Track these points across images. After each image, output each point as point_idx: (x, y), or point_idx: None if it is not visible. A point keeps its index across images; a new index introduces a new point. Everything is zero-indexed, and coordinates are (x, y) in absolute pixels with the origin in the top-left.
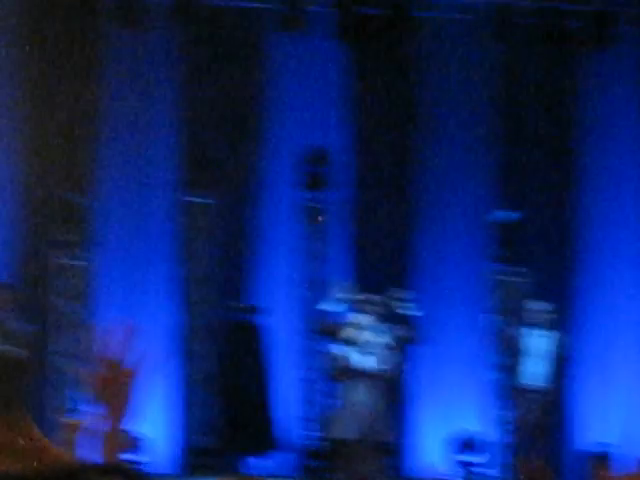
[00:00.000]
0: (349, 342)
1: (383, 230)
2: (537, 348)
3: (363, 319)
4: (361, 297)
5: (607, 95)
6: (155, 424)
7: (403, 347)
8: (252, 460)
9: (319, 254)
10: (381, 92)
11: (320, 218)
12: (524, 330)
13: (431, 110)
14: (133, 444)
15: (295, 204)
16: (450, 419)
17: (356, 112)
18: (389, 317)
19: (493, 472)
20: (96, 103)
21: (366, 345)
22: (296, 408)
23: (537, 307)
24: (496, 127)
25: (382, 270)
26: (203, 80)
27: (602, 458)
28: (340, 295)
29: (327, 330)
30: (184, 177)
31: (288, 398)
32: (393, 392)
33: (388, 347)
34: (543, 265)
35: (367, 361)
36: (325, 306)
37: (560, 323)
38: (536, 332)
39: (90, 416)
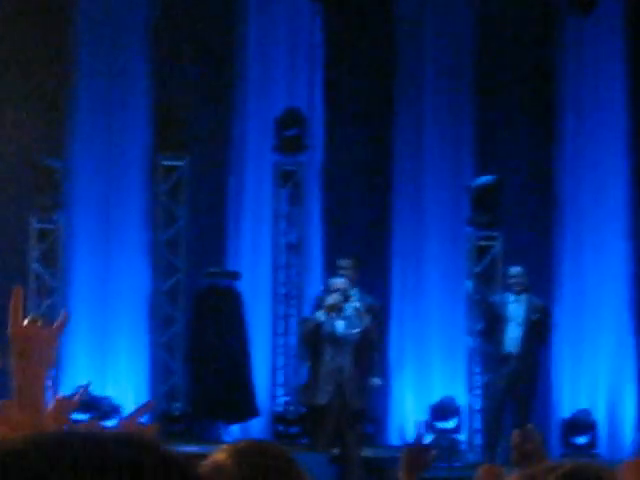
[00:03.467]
0: (321, 306)
1: (359, 193)
2: (514, 313)
3: (334, 283)
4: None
5: (587, 58)
6: (126, 389)
7: (375, 312)
8: (224, 426)
9: (294, 218)
10: (356, 53)
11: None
12: (501, 295)
13: (407, 72)
14: (103, 408)
15: (270, 167)
16: (427, 385)
17: (331, 73)
18: (360, 282)
19: (465, 437)
20: (69, 69)
21: (337, 309)
22: (269, 374)
23: (514, 272)
24: (473, 91)
25: (357, 234)
26: (176, 42)
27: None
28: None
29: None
30: (157, 140)
31: (261, 364)
32: (365, 357)
33: (358, 312)
34: (520, 229)
35: (338, 325)
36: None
37: (537, 288)
38: (513, 297)
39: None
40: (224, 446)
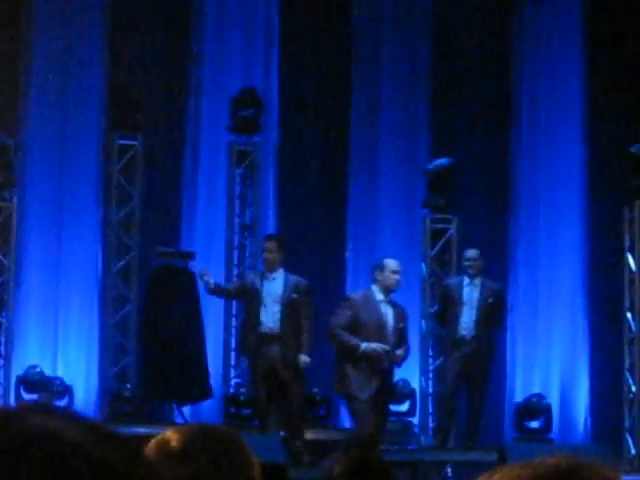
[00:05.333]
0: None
1: (314, 175)
2: (468, 296)
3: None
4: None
5: (543, 43)
6: (77, 369)
7: (303, 291)
8: (176, 408)
9: (249, 198)
10: (313, 33)
11: None
12: (456, 278)
13: (364, 55)
14: (54, 388)
15: (225, 147)
16: None
17: (287, 54)
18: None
19: (418, 420)
20: (22, 44)
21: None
22: (221, 355)
23: (469, 255)
24: (430, 74)
25: (311, 216)
26: (131, 21)
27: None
28: None
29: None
30: (112, 118)
31: (214, 344)
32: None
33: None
34: (476, 213)
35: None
36: None
37: (492, 271)
38: (468, 280)
39: None
40: (172, 427)
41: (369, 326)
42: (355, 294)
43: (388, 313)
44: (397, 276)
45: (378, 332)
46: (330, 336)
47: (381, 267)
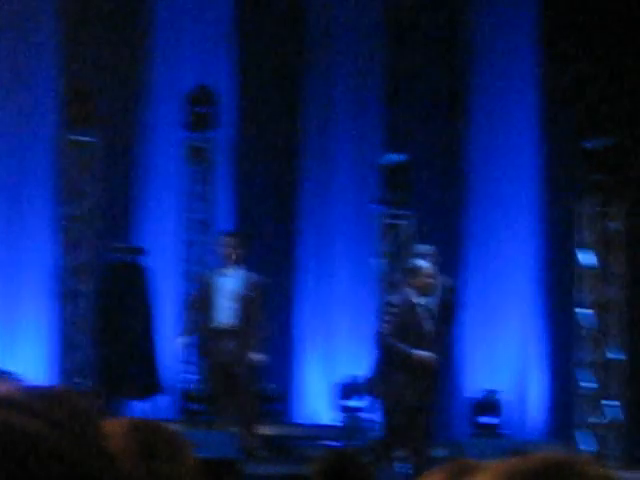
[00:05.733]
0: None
1: (268, 171)
2: None
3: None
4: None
5: (497, 35)
6: (31, 364)
7: (259, 289)
8: (132, 403)
9: (204, 195)
10: (267, 29)
11: None
12: None
13: (317, 50)
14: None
15: (180, 144)
16: (334, 364)
17: (242, 50)
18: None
19: (375, 417)
20: None
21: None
22: (176, 351)
23: (423, 250)
24: (384, 70)
25: (266, 212)
26: (85, 17)
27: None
28: None
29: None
30: (67, 115)
31: (167, 340)
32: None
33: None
34: (430, 208)
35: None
36: None
37: (446, 267)
38: None
39: None
40: (117, 419)
41: (410, 331)
42: (395, 298)
43: (425, 317)
44: (432, 280)
45: (419, 336)
46: (381, 343)
47: (415, 271)
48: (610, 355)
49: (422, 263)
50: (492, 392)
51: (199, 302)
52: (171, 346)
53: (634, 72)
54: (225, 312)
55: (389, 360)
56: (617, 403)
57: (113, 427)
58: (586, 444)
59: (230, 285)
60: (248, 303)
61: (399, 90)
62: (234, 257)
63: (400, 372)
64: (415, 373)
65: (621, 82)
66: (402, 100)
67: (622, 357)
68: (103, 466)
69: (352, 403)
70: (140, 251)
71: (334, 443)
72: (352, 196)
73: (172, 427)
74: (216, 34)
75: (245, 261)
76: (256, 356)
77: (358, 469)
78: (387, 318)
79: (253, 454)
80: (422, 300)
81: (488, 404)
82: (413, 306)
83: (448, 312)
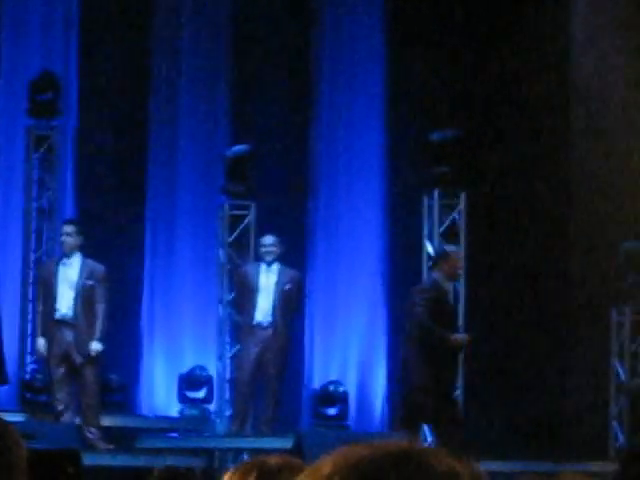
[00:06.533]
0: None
1: (112, 160)
2: (265, 283)
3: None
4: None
5: (344, 26)
6: None
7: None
8: None
9: (48, 183)
10: (111, 17)
11: None
12: (253, 265)
13: (163, 39)
14: None
15: (21, 131)
16: (178, 354)
17: (87, 37)
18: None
19: (215, 407)
20: None
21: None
22: (18, 341)
23: (266, 241)
24: (230, 60)
25: (110, 200)
26: None
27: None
28: None
29: None
30: None
31: (10, 330)
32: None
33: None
34: (274, 199)
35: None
36: None
37: (291, 258)
38: (264, 267)
39: None
40: None
41: (444, 316)
42: (426, 285)
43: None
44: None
45: (450, 322)
46: (424, 330)
47: (446, 257)
48: None
49: (453, 249)
50: (335, 383)
51: (41, 291)
52: (12, 336)
53: (477, 66)
54: (65, 301)
55: (428, 348)
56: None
57: None
58: (428, 435)
59: (70, 274)
60: (88, 292)
61: (246, 81)
62: (73, 246)
63: (441, 360)
64: (453, 358)
65: (464, 75)
66: (248, 91)
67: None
68: None
69: (196, 394)
70: None
71: (176, 435)
72: (197, 186)
73: (4, 418)
74: (60, 22)
75: (83, 249)
76: (96, 346)
77: None
78: (422, 303)
79: (94, 445)
80: (449, 286)
81: (331, 395)
82: (445, 292)
83: (292, 302)
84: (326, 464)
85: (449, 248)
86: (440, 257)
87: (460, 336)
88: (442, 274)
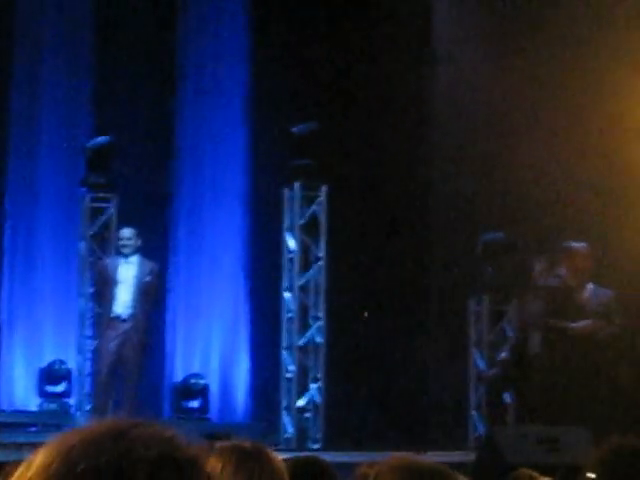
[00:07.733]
0: None
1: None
2: (124, 275)
3: None
4: None
5: (210, 21)
6: None
7: None
8: None
9: None
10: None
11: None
12: (112, 257)
13: (23, 28)
14: None
15: None
16: (37, 348)
17: None
18: None
19: (75, 401)
20: None
21: None
22: None
23: (124, 234)
24: (92, 51)
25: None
26: None
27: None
28: None
29: None
30: None
31: None
32: None
33: None
34: (136, 191)
35: None
36: None
37: (153, 251)
38: (123, 259)
39: None
40: None
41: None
42: (553, 282)
43: None
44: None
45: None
46: (541, 325)
47: (572, 252)
48: (312, 338)
49: (579, 245)
50: (196, 376)
51: None
52: None
53: (339, 58)
54: None
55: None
56: (318, 385)
57: None
58: (290, 427)
59: None
60: None
61: (107, 72)
62: None
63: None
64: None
65: (327, 68)
66: (110, 82)
67: (322, 340)
68: None
69: (55, 388)
70: None
71: (35, 429)
72: (58, 178)
73: None
74: None
75: None
76: None
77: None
78: (546, 300)
79: None
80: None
81: (191, 388)
82: (571, 289)
83: (151, 295)
84: (40, 455)
85: (576, 245)
86: (566, 253)
87: (582, 323)
88: (569, 271)
